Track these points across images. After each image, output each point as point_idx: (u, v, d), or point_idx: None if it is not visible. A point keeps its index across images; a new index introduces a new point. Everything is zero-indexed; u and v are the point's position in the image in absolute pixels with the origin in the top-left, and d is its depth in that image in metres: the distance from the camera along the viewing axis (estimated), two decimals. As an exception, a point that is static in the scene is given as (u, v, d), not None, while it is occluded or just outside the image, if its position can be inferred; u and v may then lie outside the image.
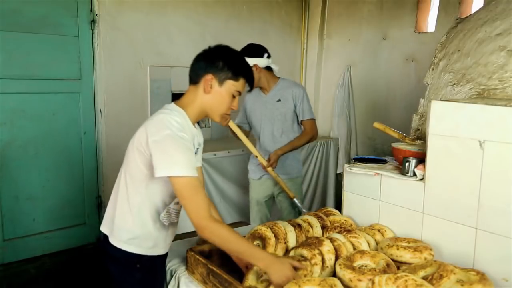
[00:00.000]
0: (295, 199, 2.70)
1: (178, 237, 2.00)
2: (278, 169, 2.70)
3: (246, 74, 1.51)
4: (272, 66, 2.78)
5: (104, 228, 1.59)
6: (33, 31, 3.04)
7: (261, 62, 2.72)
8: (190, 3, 3.80)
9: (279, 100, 2.76)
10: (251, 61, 2.68)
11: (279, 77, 2.82)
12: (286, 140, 2.76)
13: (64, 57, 3.20)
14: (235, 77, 1.48)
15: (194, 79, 1.50)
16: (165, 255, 1.68)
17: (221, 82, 1.47)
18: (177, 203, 1.56)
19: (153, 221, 1.53)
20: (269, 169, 2.66)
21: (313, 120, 2.79)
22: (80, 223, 3.41)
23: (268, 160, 2.67)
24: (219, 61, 1.46)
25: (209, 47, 1.52)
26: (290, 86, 2.79)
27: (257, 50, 2.75)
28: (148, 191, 1.49)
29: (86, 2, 3.25)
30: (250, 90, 1.58)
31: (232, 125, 2.62)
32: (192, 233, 1.93)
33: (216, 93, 1.48)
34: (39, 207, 3.21)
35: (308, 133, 2.78)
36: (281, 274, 1.33)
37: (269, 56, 2.76)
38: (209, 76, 1.46)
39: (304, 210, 2.69)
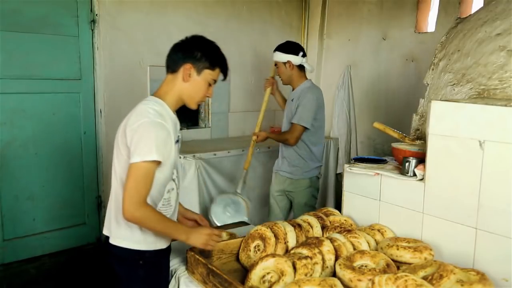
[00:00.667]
0: (244, 172, 2.94)
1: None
2: (283, 166, 2.87)
3: (221, 64, 1.60)
4: (305, 65, 2.82)
5: (105, 230, 1.61)
6: (33, 31, 3.04)
7: (295, 59, 2.77)
8: (190, 3, 3.80)
9: (292, 100, 2.81)
10: (285, 57, 2.77)
11: (307, 79, 2.86)
12: None
13: (64, 57, 3.20)
14: (212, 66, 1.56)
15: (173, 68, 1.56)
16: (169, 250, 1.68)
17: (199, 71, 1.55)
18: (169, 191, 1.58)
19: None
20: (253, 137, 2.88)
21: (297, 126, 2.71)
22: (80, 223, 3.41)
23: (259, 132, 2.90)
24: (198, 51, 1.54)
25: (186, 38, 1.59)
26: (304, 88, 2.80)
27: (293, 47, 2.81)
28: None
29: (86, 2, 3.25)
30: (224, 79, 1.65)
31: (266, 94, 2.95)
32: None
33: (194, 82, 1.55)
34: (39, 207, 3.20)
35: (285, 134, 2.82)
36: (200, 237, 1.52)
37: (304, 55, 2.81)
38: (188, 66, 1.53)
39: (238, 190, 2.95)
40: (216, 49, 1.61)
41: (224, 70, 1.61)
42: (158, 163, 1.44)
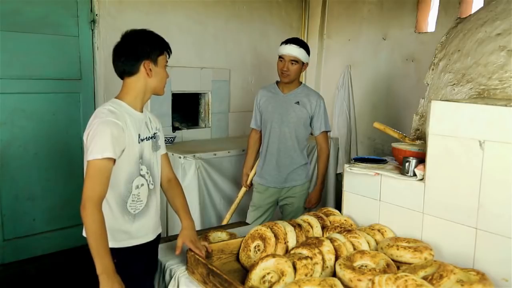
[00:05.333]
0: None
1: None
2: (285, 175, 2.71)
3: (166, 45, 1.69)
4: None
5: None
6: (33, 31, 3.04)
7: (307, 61, 2.68)
8: (190, 3, 3.80)
9: (297, 103, 2.66)
10: (307, 58, 2.65)
11: (301, 81, 2.76)
12: (294, 144, 2.67)
13: (64, 57, 3.20)
14: (161, 52, 1.67)
15: (131, 71, 1.62)
16: (148, 245, 1.70)
17: (155, 62, 1.64)
18: (138, 187, 1.62)
19: (122, 213, 1.60)
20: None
21: (327, 133, 2.77)
22: (80, 223, 3.33)
23: (311, 201, 2.79)
24: (145, 46, 1.62)
25: (123, 42, 1.66)
26: (311, 93, 2.72)
27: (309, 49, 2.69)
28: (111, 181, 1.52)
29: (86, 2, 3.25)
30: (169, 56, 1.72)
31: (242, 192, 3.00)
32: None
33: (156, 73, 1.65)
34: (39, 207, 3.20)
35: (325, 151, 2.76)
36: (107, 286, 1.42)
37: None
38: (147, 63, 1.61)
39: None
40: (155, 35, 1.68)
41: (169, 49, 1.70)
42: (112, 160, 1.48)
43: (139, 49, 1.61)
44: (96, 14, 3.27)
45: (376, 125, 2.07)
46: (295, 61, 2.58)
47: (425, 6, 3.81)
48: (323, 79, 4.75)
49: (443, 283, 1.27)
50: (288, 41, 2.62)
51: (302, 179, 2.75)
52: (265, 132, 2.75)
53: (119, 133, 1.51)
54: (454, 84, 1.94)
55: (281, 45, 2.65)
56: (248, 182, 2.91)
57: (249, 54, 4.30)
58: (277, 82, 2.76)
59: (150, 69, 1.62)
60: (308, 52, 2.64)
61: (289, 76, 2.61)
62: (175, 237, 1.78)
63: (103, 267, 1.44)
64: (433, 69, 2.13)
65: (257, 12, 4.33)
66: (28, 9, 2.99)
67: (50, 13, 3.10)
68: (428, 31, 3.79)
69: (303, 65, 2.64)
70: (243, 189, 2.97)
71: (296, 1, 4.66)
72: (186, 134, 3.91)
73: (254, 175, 2.87)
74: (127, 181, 1.59)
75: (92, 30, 3.29)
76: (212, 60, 4.01)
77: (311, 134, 2.82)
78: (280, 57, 2.63)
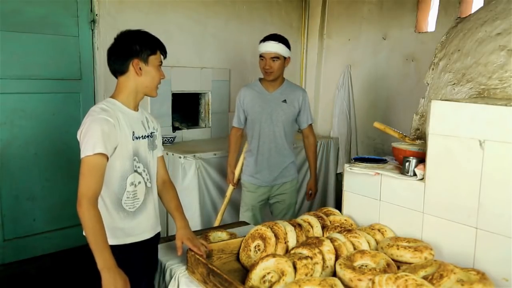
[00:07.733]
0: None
1: (178, 237, 2.00)
2: (277, 173, 2.73)
3: (159, 45, 1.68)
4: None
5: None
6: (33, 31, 3.04)
7: (289, 55, 2.64)
8: (190, 3, 3.80)
9: (284, 101, 2.66)
10: (288, 52, 2.61)
11: (283, 78, 2.74)
12: (283, 142, 2.68)
13: (64, 57, 3.20)
14: (153, 51, 1.65)
15: (121, 70, 1.63)
16: (145, 243, 1.70)
17: (146, 61, 1.63)
18: (133, 184, 1.62)
19: (116, 210, 1.60)
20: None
21: (312, 126, 2.86)
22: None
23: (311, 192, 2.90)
24: (135, 45, 1.61)
25: (115, 41, 1.66)
26: (296, 89, 2.73)
27: (289, 43, 2.65)
28: (105, 179, 1.53)
29: (86, 2, 3.25)
30: (165, 57, 1.73)
31: (229, 190, 2.97)
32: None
33: (147, 72, 1.64)
34: (39, 207, 3.21)
35: (314, 141, 2.85)
36: (110, 282, 1.42)
37: None
38: (135, 61, 1.61)
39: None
40: (147, 35, 1.67)
41: (163, 49, 1.70)
42: (104, 156, 1.49)
43: (128, 48, 1.61)
44: (96, 14, 3.27)
45: (376, 124, 2.07)
46: (276, 57, 2.56)
47: (425, 6, 3.81)
48: (323, 79, 4.75)
49: (443, 283, 1.27)
50: (266, 38, 2.60)
51: (292, 175, 2.79)
52: (253, 132, 2.71)
53: (110, 130, 1.52)
54: (454, 83, 1.94)
55: (260, 43, 2.62)
56: (235, 180, 2.91)
57: (249, 54, 4.30)
58: (260, 79, 2.73)
59: (140, 68, 1.61)
60: (288, 46, 2.61)
61: (273, 73, 2.59)
62: (175, 237, 1.78)
63: (104, 262, 1.44)
64: (433, 69, 2.13)
65: (257, 12, 4.33)
66: (28, 9, 3.00)
67: (50, 13, 3.10)
68: (428, 30, 3.78)
69: (285, 60, 2.61)
70: (231, 188, 2.97)
71: (296, 1, 4.66)
72: (186, 134, 3.92)
73: (240, 173, 2.87)
74: (121, 178, 1.59)
75: (92, 30, 3.29)
76: (212, 60, 4.01)
77: (298, 131, 2.87)
78: (260, 56, 2.60)
